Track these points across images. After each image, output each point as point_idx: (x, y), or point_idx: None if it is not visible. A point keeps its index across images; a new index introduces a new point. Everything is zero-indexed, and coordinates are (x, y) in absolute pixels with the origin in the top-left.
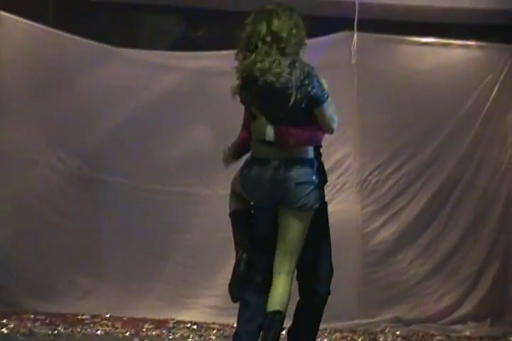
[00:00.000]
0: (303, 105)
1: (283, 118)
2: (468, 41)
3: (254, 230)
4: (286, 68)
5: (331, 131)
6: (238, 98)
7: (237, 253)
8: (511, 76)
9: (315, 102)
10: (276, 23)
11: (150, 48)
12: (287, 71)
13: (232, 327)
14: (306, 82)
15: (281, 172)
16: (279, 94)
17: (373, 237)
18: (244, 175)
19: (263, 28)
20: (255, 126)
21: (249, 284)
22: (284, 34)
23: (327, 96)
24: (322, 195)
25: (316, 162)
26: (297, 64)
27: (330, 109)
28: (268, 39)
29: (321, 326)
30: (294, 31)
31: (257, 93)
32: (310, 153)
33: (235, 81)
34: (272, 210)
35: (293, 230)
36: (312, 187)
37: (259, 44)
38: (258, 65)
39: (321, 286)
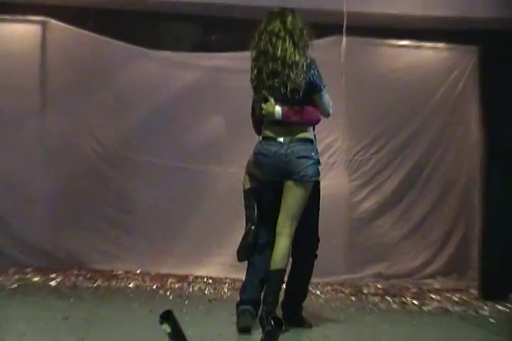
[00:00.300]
0: (304, 90)
1: (288, 100)
2: (438, 43)
3: (261, 203)
4: (297, 57)
5: (327, 114)
6: (251, 89)
7: (246, 225)
8: (474, 73)
9: (314, 89)
10: (290, 21)
11: (172, 50)
12: (298, 59)
13: (242, 281)
14: (307, 70)
15: (285, 148)
16: (287, 78)
17: (358, 207)
18: (255, 152)
19: (278, 24)
20: (267, 108)
21: (254, 248)
22: (297, 31)
23: (324, 85)
24: (318, 173)
25: (315, 142)
26: (305, 56)
27: (327, 96)
28: (282, 34)
29: (315, 280)
30: (305, 31)
31: (269, 77)
32: (310, 134)
33: (245, 77)
34: (278, 185)
35: (294, 197)
36: (311, 162)
37: (274, 38)
38: (272, 53)
39: (309, 251)
